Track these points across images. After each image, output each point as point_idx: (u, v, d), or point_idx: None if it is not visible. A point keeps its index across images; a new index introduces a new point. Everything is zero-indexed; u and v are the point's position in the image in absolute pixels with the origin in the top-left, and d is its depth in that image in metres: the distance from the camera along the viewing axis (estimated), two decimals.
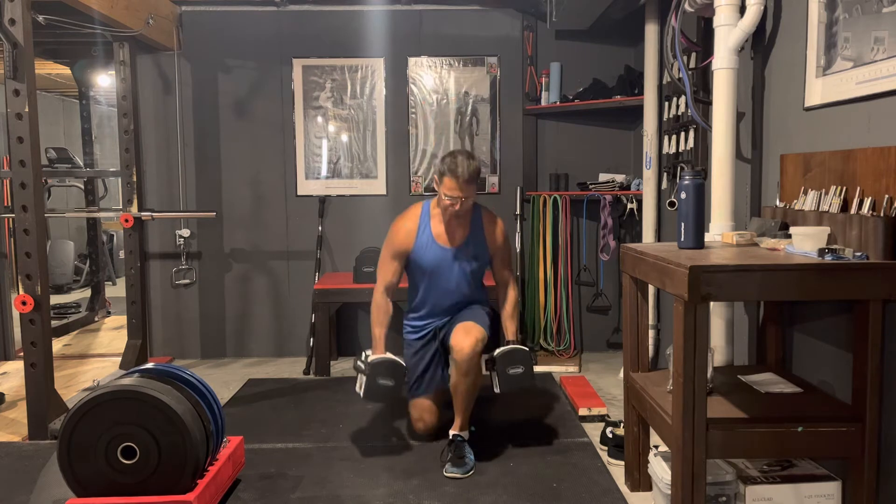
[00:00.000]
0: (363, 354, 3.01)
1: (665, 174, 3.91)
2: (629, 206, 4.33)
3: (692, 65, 3.31)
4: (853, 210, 2.07)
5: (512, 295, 3.18)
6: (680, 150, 3.63)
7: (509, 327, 3.12)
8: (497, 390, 2.97)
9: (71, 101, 8.90)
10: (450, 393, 3.04)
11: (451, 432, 2.99)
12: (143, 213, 4.32)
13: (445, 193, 2.93)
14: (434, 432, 3.12)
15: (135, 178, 4.37)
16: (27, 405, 3.17)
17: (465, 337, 2.93)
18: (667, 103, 3.78)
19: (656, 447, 2.46)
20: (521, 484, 2.70)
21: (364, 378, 2.91)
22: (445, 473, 2.80)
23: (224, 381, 4.16)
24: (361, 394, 2.93)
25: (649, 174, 4.02)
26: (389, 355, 2.96)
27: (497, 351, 2.98)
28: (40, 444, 3.10)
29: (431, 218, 3.09)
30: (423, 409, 3.13)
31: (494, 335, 3.15)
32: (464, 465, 2.83)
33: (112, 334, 5.33)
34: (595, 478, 2.74)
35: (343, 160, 4.69)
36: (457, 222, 3.06)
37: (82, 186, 5.69)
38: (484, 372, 3.01)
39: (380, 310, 3.05)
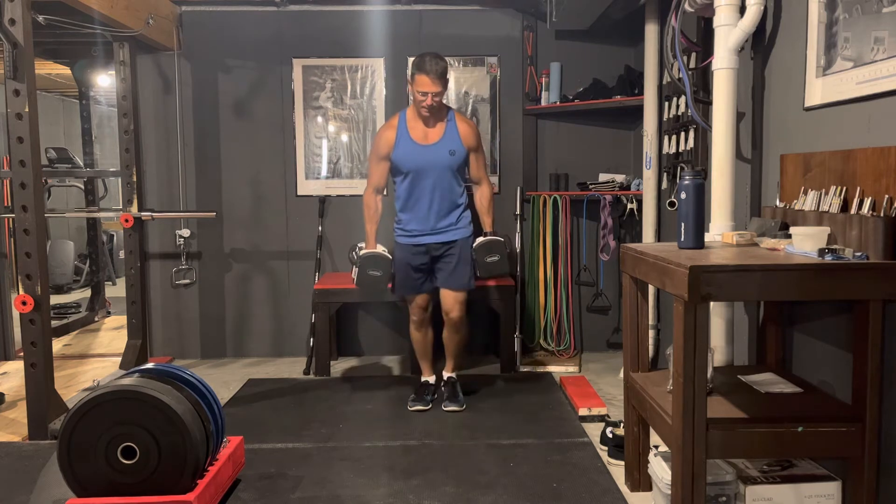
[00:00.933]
0: (357, 247, 3.64)
1: (665, 174, 3.91)
2: (629, 206, 4.33)
3: (692, 65, 3.31)
4: (853, 210, 2.07)
5: (486, 191, 3.63)
6: (680, 150, 3.63)
7: (486, 221, 3.62)
8: (478, 274, 3.54)
9: (71, 101, 8.90)
10: (435, 295, 3.59)
11: (445, 374, 3.69)
12: (143, 213, 4.32)
13: (417, 90, 3.32)
14: (429, 322, 3.64)
15: (135, 178, 4.37)
16: (27, 405, 3.17)
17: (455, 304, 3.52)
18: (667, 103, 3.78)
19: (656, 447, 2.46)
20: (521, 484, 2.70)
21: (356, 269, 3.49)
22: (444, 408, 3.53)
23: (224, 381, 4.17)
24: (354, 282, 3.54)
25: (649, 174, 4.02)
26: (379, 249, 3.53)
27: (476, 242, 3.53)
28: (40, 444, 3.10)
29: (408, 121, 3.48)
30: (416, 305, 3.59)
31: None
32: (458, 401, 3.57)
33: (112, 334, 5.33)
34: (595, 478, 2.75)
35: (343, 160, 4.70)
36: (433, 120, 3.45)
37: (82, 186, 5.70)
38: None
39: (370, 208, 3.57)
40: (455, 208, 3.54)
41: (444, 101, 3.49)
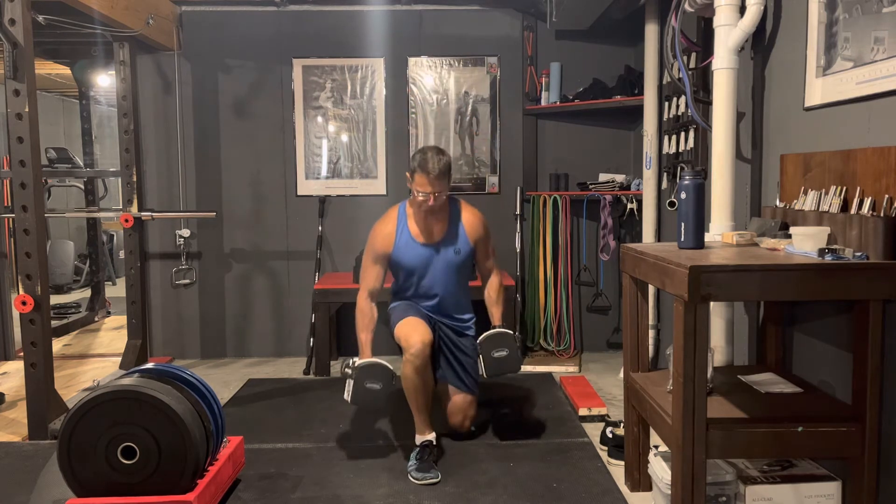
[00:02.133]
0: (350, 361, 2.99)
1: (665, 174, 3.91)
2: (629, 206, 4.33)
3: (692, 65, 3.31)
4: (853, 210, 2.07)
5: (496, 282, 3.22)
6: (680, 150, 3.63)
7: (494, 313, 3.18)
8: (483, 374, 3.03)
9: (71, 101, 8.90)
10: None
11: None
12: (143, 213, 4.32)
13: (418, 190, 2.96)
14: (428, 347, 2.95)
15: (135, 178, 4.37)
16: (27, 405, 3.17)
17: (463, 418, 3.13)
18: (667, 103, 3.78)
19: (656, 447, 2.46)
20: (521, 484, 2.70)
21: (351, 382, 2.90)
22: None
23: (224, 381, 4.16)
24: (349, 399, 2.90)
25: (649, 174, 4.02)
26: (376, 359, 2.95)
27: (483, 335, 3.05)
28: (40, 444, 3.10)
29: (408, 218, 3.11)
30: (413, 322, 3.03)
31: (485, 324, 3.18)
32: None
33: (112, 334, 5.33)
34: (595, 478, 2.74)
35: (343, 160, 4.69)
36: (433, 218, 3.08)
37: (82, 186, 5.70)
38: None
39: (365, 316, 3.05)
40: (460, 308, 3.21)
41: (448, 182, 3.01)
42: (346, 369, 2.95)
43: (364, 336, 3.03)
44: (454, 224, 3.12)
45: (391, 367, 2.95)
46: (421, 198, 2.96)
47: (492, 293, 3.22)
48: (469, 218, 3.14)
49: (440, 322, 3.17)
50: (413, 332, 2.97)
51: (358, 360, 2.95)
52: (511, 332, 3.09)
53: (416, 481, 2.74)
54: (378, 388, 2.89)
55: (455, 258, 3.11)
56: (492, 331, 3.06)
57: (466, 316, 3.24)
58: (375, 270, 3.09)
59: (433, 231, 3.10)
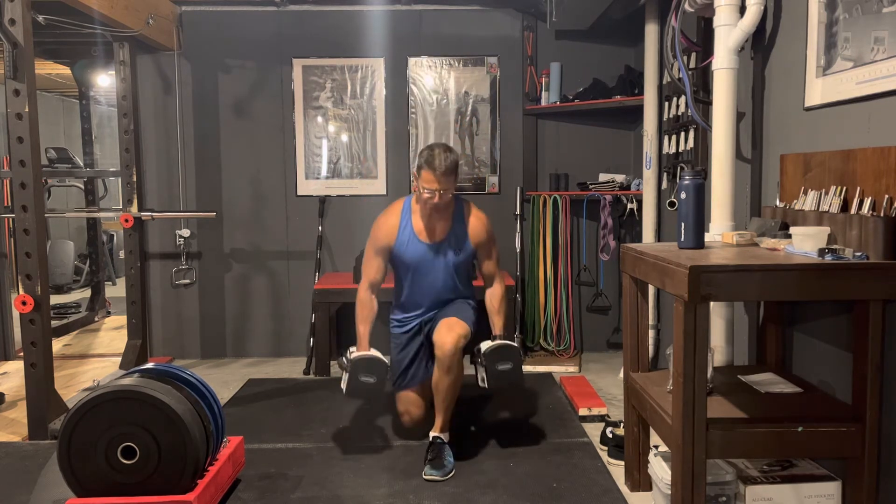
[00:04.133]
0: (347, 351, 3.03)
1: (665, 174, 3.91)
2: (629, 206, 4.33)
3: (692, 65, 3.31)
4: (853, 210, 2.07)
5: (498, 289, 3.15)
6: (680, 150, 3.63)
7: (496, 322, 3.10)
8: (484, 385, 2.96)
9: (71, 101, 8.90)
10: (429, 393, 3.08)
11: (432, 434, 2.97)
12: (143, 213, 4.32)
13: (423, 186, 2.93)
14: (421, 425, 3.11)
15: (135, 178, 4.37)
16: (27, 405, 3.17)
17: (448, 333, 2.91)
18: (667, 103, 3.78)
19: (656, 447, 2.46)
20: (521, 484, 2.70)
21: (346, 375, 2.93)
22: (424, 476, 2.77)
23: (224, 381, 4.17)
24: (344, 391, 2.93)
25: (649, 174, 4.02)
26: (372, 352, 2.97)
27: (485, 346, 2.98)
28: (40, 444, 3.10)
29: (413, 213, 3.09)
30: (408, 401, 3.15)
31: (485, 331, 3.13)
32: (443, 468, 2.79)
33: (112, 334, 5.33)
34: (595, 478, 2.74)
35: (343, 160, 4.70)
36: (438, 216, 3.05)
37: (82, 186, 5.70)
38: (469, 366, 3.02)
39: (364, 307, 3.06)
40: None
41: (454, 170, 2.98)
42: (343, 360, 2.99)
43: (362, 328, 3.04)
44: (458, 224, 3.09)
45: (386, 361, 2.98)
46: (426, 195, 2.93)
47: (494, 302, 3.14)
48: (474, 220, 3.10)
49: (425, 318, 3.16)
50: (406, 413, 3.16)
51: (354, 353, 2.97)
52: (515, 344, 3.02)
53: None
54: (372, 382, 2.91)
55: (455, 259, 3.09)
56: (496, 343, 2.98)
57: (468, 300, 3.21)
58: (377, 262, 3.09)
59: (436, 229, 3.07)
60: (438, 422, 2.98)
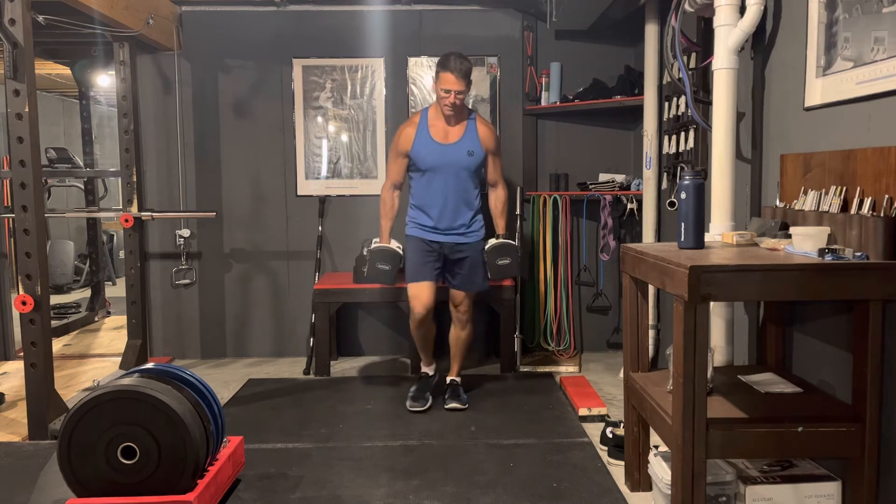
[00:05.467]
0: (371, 241, 3.71)
1: (665, 174, 3.91)
2: (629, 206, 4.33)
3: (692, 65, 3.31)
4: (853, 210, 2.07)
5: (502, 193, 3.69)
6: (680, 150, 3.63)
7: (499, 223, 3.67)
8: (489, 277, 3.62)
9: (71, 101, 8.90)
10: (441, 294, 3.62)
11: (449, 378, 3.71)
12: (143, 213, 4.32)
13: (441, 87, 3.39)
14: (430, 312, 3.56)
15: (135, 178, 4.37)
16: (27, 405, 3.17)
17: (465, 299, 3.61)
18: (667, 103, 3.78)
19: (656, 447, 2.46)
20: (521, 484, 2.70)
21: (367, 262, 3.60)
22: (446, 406, 3.54)
23: (224, 381, 4.17)
24: (365, 275, 3.65)
25: (649, 174, 4.02)
26: (391, 245, 3.59)
27: (488, 245, 3.59)
28: (40, 444, 3.10)
29: (430, 120, 3.54)
30: (418, 289, 3.54)
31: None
32: (459, 398, 3.58)
33: (112, 334, 5.33)
34: (595, 478, 2.75)
35: (343, 160, 4.70)
36: (454, 119, 3.51)
37: (82, 186, 5.70)
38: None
39: (386, 204, 3.64)
40: (469, 210, 3.57)
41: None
42: (366, 250, 3.71)
43: (384, 223, 3.63)
44: (470, 130, 3.53)
45: (400, 252, 3.59)
46: (444, 94, 3.38)
47: (498, 205, 3.68)
48: (483, 128, 3.55)
49: (446, 242, 3.56)
50: (417, 299, 3.53)
51: (375, 244, 3.61)
52: (514, 242, 3.62)
53: (409, 408, 3.52)
54: (388, 269, 3.55)
55: (468, 159, 3.51)
56: (497, 241, 3.58)
57: (473, 214, 3.59)
58: (398, 164, 3.60)
59: (450, 133, 3.52)
60: (454, 368, 3.74)
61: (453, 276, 3.62)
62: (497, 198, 3.68)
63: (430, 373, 3.76)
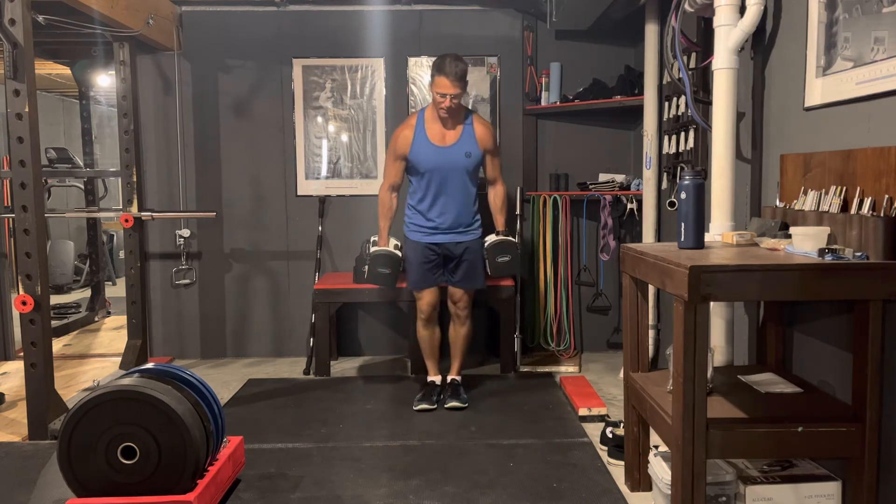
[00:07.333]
0: (370, 243, 3.77)
1: (665, 174, 3.91)
2: (629, 206, 4.33)
3: (692, 65, 3.31)
4: (853, 210, 2.07)
5: (501, 190, 3.69)
6: (680, 150, 3.63)
7: (499, 220, 3.69)
8: (489, 273, 3.65)
9: (71, 101, 8.90)
10: (444, 293, 3.69)
11: (449, 377, 3.72)
12: (143, 213, 4.32)
13: (437, 91, 3.39)
14: (435, 310, 3.68)
15: (135, 178, 4.37)
16: (27, 405, 3.17)
17: (464, 296, 3.65)
18: (667, 103, 3.78)
19: (656, 447, 2.46)
20: (521, 484, 2.70)
21: (367, 265, 3.65)
22: (446, 406, 3.56)
23: (224, 381, 4.17)
24: (365, 278, 3.69)
25: (649, 174, 4.02)
26: (391, 246, 3.64)
27: (488, 242, 3.63)
28: (40, 444, 3.10)
29: (426, 121, 3.53)
30: (425, 294, 3.64)
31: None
32: (459, 397, 3.60)
33: (112, 334, 5.34)
34: (595, 478, 2.75)
35: (343, 160, 4.70)
36: (451, 121, 3.50)
37: (82, 186, 5.70)
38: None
39: (384, 205, 3.64)
40: (468, 209, 3.60)
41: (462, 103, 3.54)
42: (366, 254, 3.77)
43: (383, 223, 3.65)
44: (467, 131, 3.52)
45: (399, 255, 3.65)
46: (439, 98, 3.38)
47: (497, 202, 3.68)
48: (480, 127, 3.54)
49: (446, 242, 3.58)
50: (422, 300, 3.64)
51: (375, 247, 3.66)
52: (513, 239, 3.66)
53: (415, 408, 3.55)
54: (388, 273, 3.62)
55: (466, 160, 3.51)
56: (497, 238, 3.62)
57: (473, 214, 3.62)
58: (396, 166, 3.59)
59: (447, 135, 3.51)
60: (455, 366, 3.75)
61: (453, 274, 3.64)
62: (496, 194, 3.69)
63: (437, 381, 3.75)
